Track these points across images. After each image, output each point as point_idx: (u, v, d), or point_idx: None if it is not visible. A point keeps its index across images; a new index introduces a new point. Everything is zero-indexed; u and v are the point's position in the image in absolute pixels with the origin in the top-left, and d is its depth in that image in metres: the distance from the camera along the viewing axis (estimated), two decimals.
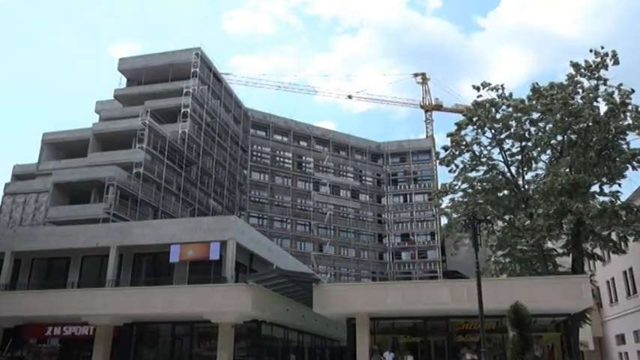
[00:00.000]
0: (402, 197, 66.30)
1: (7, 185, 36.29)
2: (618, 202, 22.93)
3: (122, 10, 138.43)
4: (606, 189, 23.52)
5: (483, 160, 25.74)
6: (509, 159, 25.63)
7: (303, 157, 63.38)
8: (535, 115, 24.75)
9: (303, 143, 63.91)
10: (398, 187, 66.77)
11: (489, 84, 25.94)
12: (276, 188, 59.64)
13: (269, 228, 56.30)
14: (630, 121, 22.65)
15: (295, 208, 60.04)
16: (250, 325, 22.10)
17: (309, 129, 63.91)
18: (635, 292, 29.28)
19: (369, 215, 64.34)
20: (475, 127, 25.67)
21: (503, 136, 25.49)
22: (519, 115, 24.75)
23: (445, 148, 26.20)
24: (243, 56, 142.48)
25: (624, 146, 23.11)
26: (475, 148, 25.86)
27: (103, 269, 24.65)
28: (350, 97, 76.64)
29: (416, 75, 79.24)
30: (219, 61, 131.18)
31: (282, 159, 62.11)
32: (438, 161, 28.29)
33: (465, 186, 25.86)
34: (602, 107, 23.34)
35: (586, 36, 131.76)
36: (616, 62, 23.23)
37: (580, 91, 23.88)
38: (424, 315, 21.16)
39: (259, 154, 60.86)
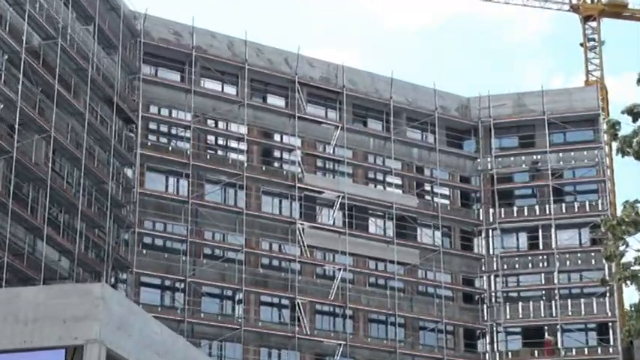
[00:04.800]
0: (525, 236, 67.72)
1: None
2: None
3: None
4: None
5: None
6: None
7: (278, 137, 64.51)
8: None
9: (275, 100, 65.22)
10: (514, 210, 67.99)
11: None
12: (210, 214, 60.08)
13: (193, 314, 57.16)
14: None
15: (256, 265, 60.84)
16: None
17: (293, 64, 64.67)
18: None
19: (443, 281, 65.32)
20: None
21: None
22: None
23: (634, 113, 25.74)
24: None
25: None
26: None
27: None
28: None
29: None
30: None
31: (222, 140, 62.91)
32: (616, 145, 28.04)
33: None
34: None
35: None
36: None
37: None
38: None
39: (165, 128, 61.68)
